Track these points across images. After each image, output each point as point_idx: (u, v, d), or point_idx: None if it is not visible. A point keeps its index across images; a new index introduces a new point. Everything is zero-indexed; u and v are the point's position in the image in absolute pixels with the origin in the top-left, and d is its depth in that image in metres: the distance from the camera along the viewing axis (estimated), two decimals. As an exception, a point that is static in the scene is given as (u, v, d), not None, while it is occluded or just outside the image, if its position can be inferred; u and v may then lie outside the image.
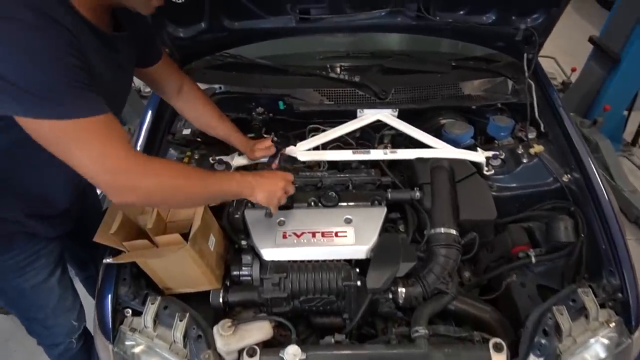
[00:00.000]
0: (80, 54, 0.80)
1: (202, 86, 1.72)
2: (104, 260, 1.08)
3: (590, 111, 3.01)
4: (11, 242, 1.11)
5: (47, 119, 0.76)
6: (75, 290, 1.37)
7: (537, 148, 1.50)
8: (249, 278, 1.29)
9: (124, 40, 1.03)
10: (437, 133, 1.67)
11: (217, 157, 1.53)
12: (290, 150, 1.48)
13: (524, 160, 1.50)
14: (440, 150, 1.52)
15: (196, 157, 1.53)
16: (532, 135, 1.61)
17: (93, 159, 0.82)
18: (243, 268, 1.31)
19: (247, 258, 1.31)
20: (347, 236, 1.27)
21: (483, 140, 1.76)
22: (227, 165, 1.52)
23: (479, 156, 1.51)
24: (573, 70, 3.27)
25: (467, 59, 1.80)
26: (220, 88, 1.72)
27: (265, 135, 1.73)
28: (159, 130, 1.66)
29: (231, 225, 1.36)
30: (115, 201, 0.88)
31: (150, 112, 1.67)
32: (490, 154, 1.54)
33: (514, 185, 1.48)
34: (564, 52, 3.66)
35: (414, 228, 1.38)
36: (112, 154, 0.83)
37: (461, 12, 1.60)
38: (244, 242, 1.34)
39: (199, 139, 1.61)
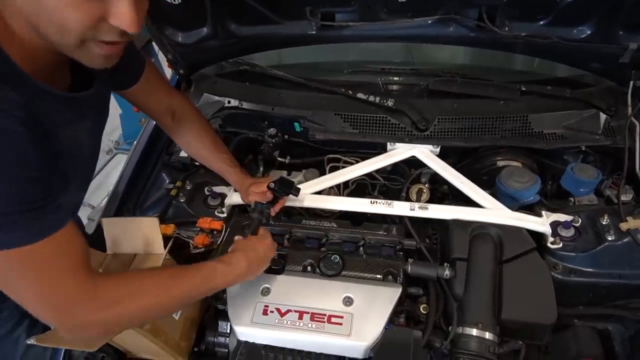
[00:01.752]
0: (30, 154, 0.62)
1: (211, 98, 1.49)
2: (26, 340, 0.91)
3: None
4: None
5: None
6: None
7: (633, 222, 1.07)
8: (225, 350, 1.08)
9: (92, 97, 0.83)
10: (490, 178, 1.29)
11: (212, 189, 1.30)
12: (291, 200, 1.20)
13: (610, 237, 1.08)
14: (489, 211, 1.14)
15: (188, 188, 1.32)
16: (627, 197, 1.17)
17: (35, 297, 0.67)
18: (218, 337, 1.10)
19: (223, 326, 1.10)
20: (342, 324, 0.98)
21: (554, 189, 1.34)
22: (222, 198, 1.29)
23: (542, 224, 1.11)
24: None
25: (543, 81, 1.35)
26: (229, 102, 1.47)
27: (280, 159, 1.47)
28: (157, 146, 1.47)
29: (210, 282, 1.14)
30: (68, 337, 0.74)
31: (153, 124, 1.48)
32: (560, 218, 1.13)
33: (590, 269, 1.07)
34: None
35: (437, 316, 1.05)
36: (59, 289, 0.67)
37: (541, 22, 1.17)
38: (221, 306, 1.11)
39: (196, 164, 1.38)
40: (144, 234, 1.03)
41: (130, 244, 1.05)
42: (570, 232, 1.12)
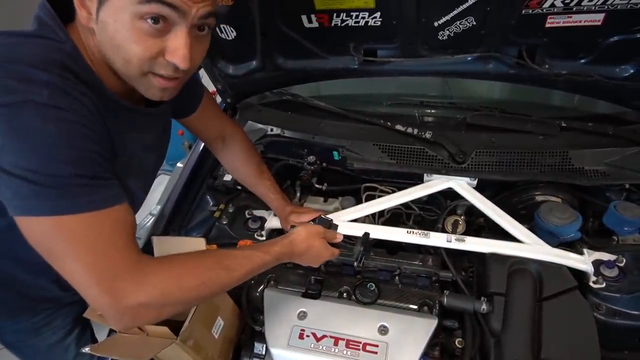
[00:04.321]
0: (96, 130, 0.69)
1: (254, 126, 1.57)
2: (82, 349, 0.97)
3: None
4: (35, 308, 1.07)
5: (49, 215, 0.63)
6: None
7: (681, 265, 1.04)
8: (259, 371, 1.11)
9: (158, 113, 0.91)
10: (528, 212, 1.28)
11: (252, 212, 1.36)
12: None
13: (657, 280, 1.05)
14: (527, 246, 1.13)
15: (230, 211, 1.38)
16: (674, 238, 1.13)
17: (89, 270, 0.65)
18: (254, 358, 1.13)
19: (259, 347, 1.13)
20: (377, 353, 0.98)
21: (595, 226, 1.31)
22: (262, 221, 1.34)
23: (584, 263, 1.09)
24: None
25: (583, 118, 1.35)
26: (271, 130, 1.54)
27: (317, 185, 1.52)
28: (202, 170, 1.55)
29: (249, 303, 1.18)
30: (118, 327, 0.72)
31: (201, 147, 1.57)
32: (603, 257, 1.11)
33: (636, 312, 1.03)
34: None
35: (474, 351, 1.04)
36: (113, 262, 0.66)
37: (582, 61, 1.19)
38: (258, 328, 1.14)
39: (239, 187, 1.45)
40: (190, 253, 1.09)
41: (177, 262, 1.11)
42: (614, 272, 1.09)
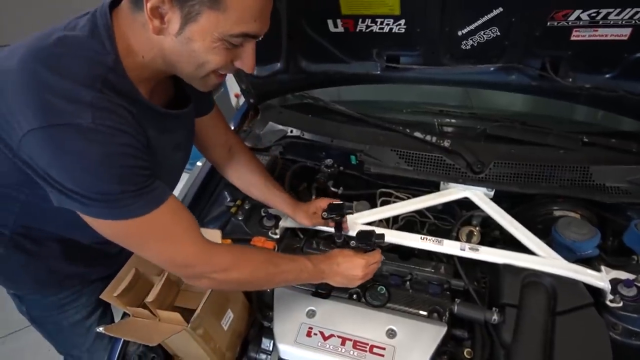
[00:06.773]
0: (139, 146, 0.76)
1: (275, 127, 1.60)
2: (97, 329, 0.99)
3: None
4: (62, 283, 1.11)
5: (107, 219, 0.75)
6: None
7: None
8: (266, 366, 1.11)
9: (183, 115, 0.95)
10: (545, 227, 1.26)
11: (268, 210, 1.38)
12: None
13: (677, 302, 1.02)
14: (543, 260, 1.11)
15: (246, 207, 1.40)
16: (697, 260, 1.10)
17: (162, 256, 0.84)
18: (260, 353, 1.13)
19: (266, 343, 1.14)
20: (384, 356, 0.98)
21: (615, 245, 1.28)
22: (277, 220, 1.36)
23: (601, 280, 1.07)
24: None
25: (606, 133, 1.33)
26: (291, 131, 1.57)
27: (333, 189, 1.53)
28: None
29: (259, 298, 1.19)
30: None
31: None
32: (621, 275, 1.08)
33: (653, 334, 1.00)
34: None
35: (483, 361, 1.02)
36: (178, 251, 0.83)
37: (607, 75, 1.18)
38: (267, 324, 1.15)
39: (256, 185, 1.47)
40: (206, 245, 1.11)
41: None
42: (632, 292, 1.06)
